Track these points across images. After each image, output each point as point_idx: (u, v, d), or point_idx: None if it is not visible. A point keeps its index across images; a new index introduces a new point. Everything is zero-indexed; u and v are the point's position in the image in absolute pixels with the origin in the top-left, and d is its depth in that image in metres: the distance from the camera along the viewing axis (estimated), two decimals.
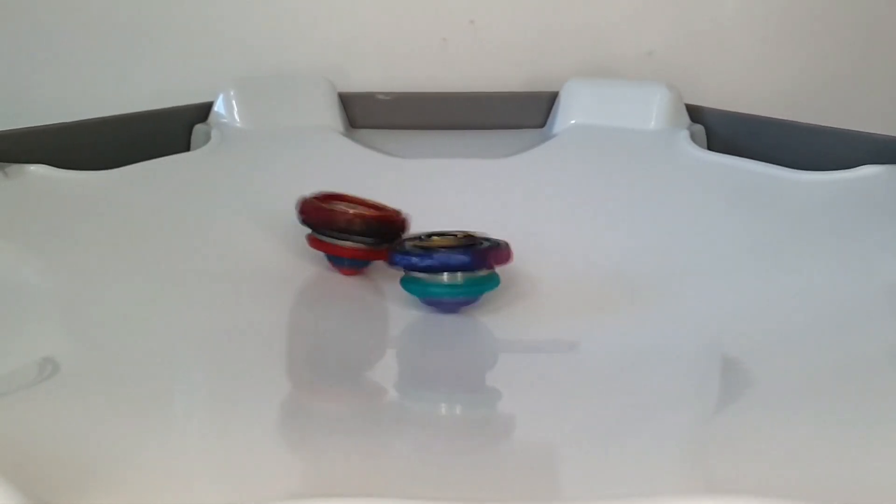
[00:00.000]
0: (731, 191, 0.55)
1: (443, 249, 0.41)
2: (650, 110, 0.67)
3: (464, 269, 0.41)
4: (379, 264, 0.46)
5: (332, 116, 0.68)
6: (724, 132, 0.67)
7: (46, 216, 0.49)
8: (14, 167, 0.52)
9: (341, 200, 0.48)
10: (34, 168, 0.53)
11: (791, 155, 0.58)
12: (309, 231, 0.47)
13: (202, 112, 0.67)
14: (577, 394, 0.35)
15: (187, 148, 0.65)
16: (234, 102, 0.66)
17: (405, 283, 0.42)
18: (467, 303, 0.43)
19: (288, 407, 0.35)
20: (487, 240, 0.42)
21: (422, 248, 0.42)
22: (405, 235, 0.45)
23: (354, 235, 0.45)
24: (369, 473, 0.27)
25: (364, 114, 0.72)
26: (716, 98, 0.69)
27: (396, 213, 0.47)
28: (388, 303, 0.45)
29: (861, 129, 0.58)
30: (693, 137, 0.64)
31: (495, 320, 0.43)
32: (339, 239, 0.46)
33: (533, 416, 0.34)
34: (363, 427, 0.32)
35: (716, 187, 0.56)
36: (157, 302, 0.41)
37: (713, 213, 0.53)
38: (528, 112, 0.72)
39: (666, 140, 0.64)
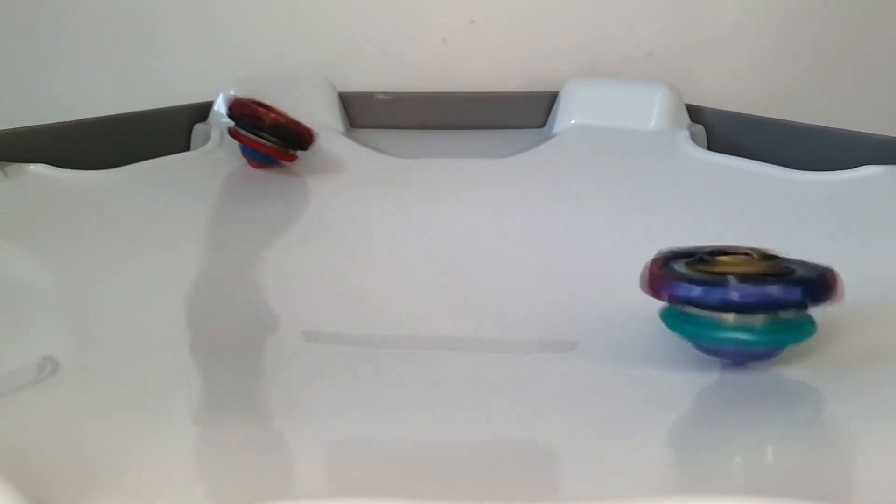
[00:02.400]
0: (731, 191, 0.55)
1: (748, 278, 0.29)
2: (650, 110, 0.67)
3: (790, 306, 0.29)
4: None
5: (332, 116, 0.68)
6: (724, 132, 0.67)
7: (46, 216, 0.49)
8: (14, 167, 0.52)
9: (267, 109, 0.57)
10: (34, 168, 0.53)
11: (791, 155, 0.58)
12: (233, 124, 0.57)
13: (202, 112, 0.67)
14: (577, 393, 0.35)
15: (187, 148, 0.65)
16: None
17: (670, 319, 0.31)
18: (767, 356, 0.31)
19: (288, 407, 0.34)
20: (802, 263, 0.31)
21: (709, 273, 0.30)
22: (667, 252, 0.33)
23: (265, 133, 0.56)
24: (369, 473, 0.27)
25: (364, 114, 0.72)
26: (716, 98, 0.69)
27: (303, 125, 0.57)
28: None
29: (861, 129, 0.58)
30: (693, 137, 0.64)
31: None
32: (253, 134, 0.56)
33: (532, 416, 0.34)
34: (363, 427, 0.32)
35: (716, 187, 0.56)
36: (157, 302, 0.41)
37: (713, 214, 0.53)
38: (528, 112, 0.72)
39: (666, 140, 0.64)
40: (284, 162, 0.58)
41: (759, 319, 0.29)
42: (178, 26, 0.75)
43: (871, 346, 0.33)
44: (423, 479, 0.27)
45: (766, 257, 0.31)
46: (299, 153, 0.58)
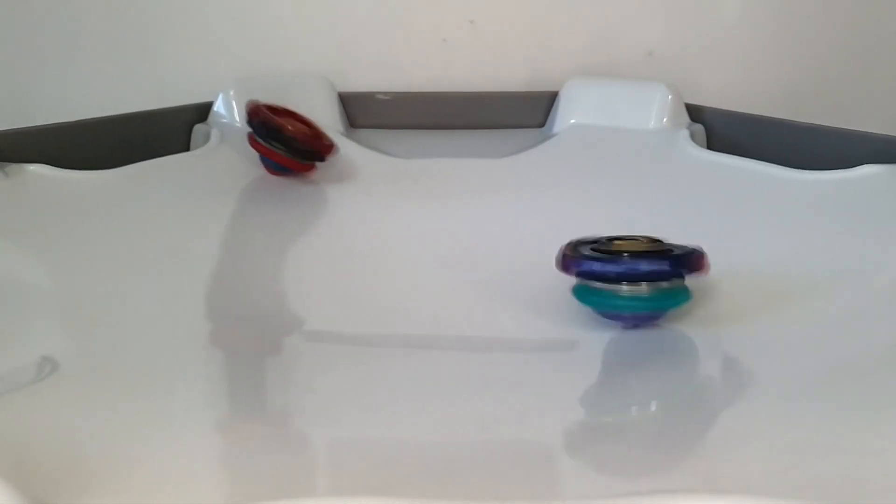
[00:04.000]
0: (731, 191, 0.55)
1: (629, 255, 0.37)
2: (650, 110, 0.67)
3: (657, 278, 0.36)
4: None
5: (332, 116, 0.68)
6: (724, 132, 0.67)
7: (46, 216, 0.49)
8: (14, 167, 0.52)
9: (288, 115, 0.57)
10: (34, 168, 0.53)
11: (791, 155, 0.58)
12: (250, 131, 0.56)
13: (202, 112, 0.67)
14: (577, 393, 0.35)
15: (187, 148, 0.65)
16: (233, 102, 0.66)
17: (579, 292, 0.38)
18: (653, 318, 0.38)
19: (289, 407, 0.34)
20: (679, 246, 0.38)
21: (604, 252, 0.37)
22: (578, 239, 0.40)
23: (281, 144, 0.55)
24: (369, 473, 0.27)
25: (364, 114, 0.72)
26: (716, 98, 0.69)
27: (326, 138, 0.56)
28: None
29: (861, 129, 0.58)
30: (693, 137, 0.64)
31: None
32: (271, 144, 0.55)
33: (532, 416, 0.34)
34: (363, 426, 0.32)
35: (715, 187, 0.56)
36: (157, 301, 0.41)
37: (713, 213, 0.53)
38: (528, 112, 0.72)
39: (666, 140, 0.64)
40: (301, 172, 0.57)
41: (645, 289, 0.36)
42: (178, 26, 0.75)
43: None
44: (423, 479, 0.27)
45: (653, 241, 0.38)
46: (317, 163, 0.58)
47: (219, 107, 0.66)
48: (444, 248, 0.49)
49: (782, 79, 0.77)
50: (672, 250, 0.37)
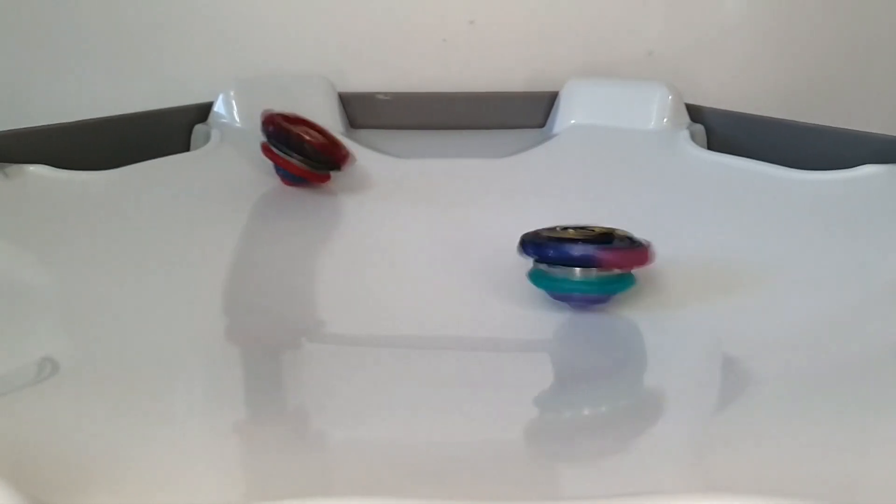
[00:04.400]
0: (731, 190, 0.55)
1: (579, 243, 0.40)
2: (650, 110, 0.67)
3: (598, 265, 0.40)
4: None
5: (332, 116, 0.68)
6: (724, 132, 0.67)
7: (46, 216, 0.49)
8: (14, 167, 0.52)
9: (303, 124, 0.56)
10: (34, 168, 0.53)
11: (791, 155, 0.58)
12: (265, 140, 0.55)
13: (202, 112, 0.67)
14: (577, 393, 0.35)
15: (187, 148, 0.65)
16: (233, 102, 0.66)
17: (534, 276, 0.42)
18: (599, 301, 0.42)
19: (289, 407, 0.34)
20: (630, 238, 0.41)
21: (556, 239, 0.41)
22: (536, 229, 0.43)
23: (298, 154, 0.54)
24: (368, 473, 0.27)
25: (364, 114, 0.72)
26: (716, 98, 0.69)
27: (342, 147, 0.55)
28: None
29: (861, 129, 0.58)
30: (693, 137, 0.64)
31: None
32: (287, 154, 0.54)
33: (532, 416, 0.34)
34: (363, 427, 0.32)
35: (716, 187, 0.56)
36: (157, 302, 0.41)
37: (713, 213, 0.53)
38: (528, 112, 0.72)
39: (666, 140, 0.64)
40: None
41: (593, 274, 0.40)
42: (178, 26, 0.75)
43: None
44: (423, 479, 0.27)
45: (604, 232, 0.41)
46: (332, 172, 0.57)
47: (219, 107, 0.66)
48: (444, 248, 0.49)
49: (782, 79, 0.77)
50: (612, 240, 0.41)
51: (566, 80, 0.71)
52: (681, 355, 0.38)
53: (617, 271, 0.40)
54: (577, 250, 0.40)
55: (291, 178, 0.55)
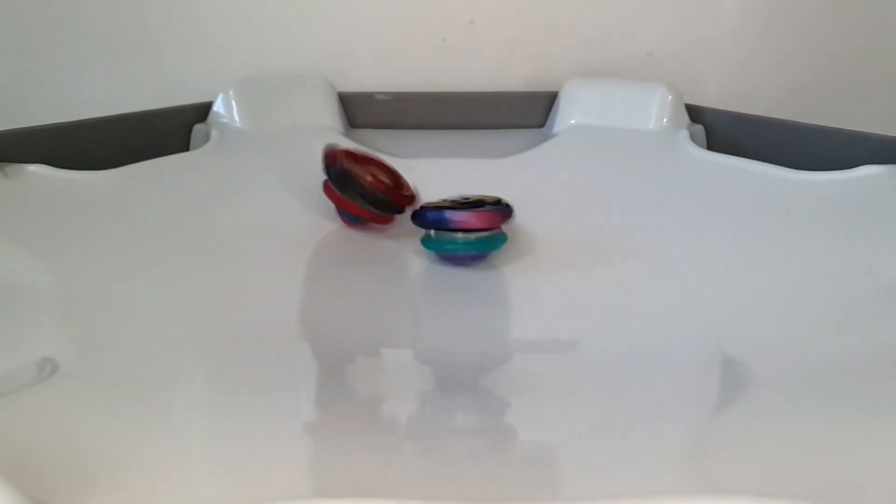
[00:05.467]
0: (731, 191, 0.55)
1: (453, 210, 0.47)
2: (650, 110, 0.67)
3: (467, 228, 0.46)
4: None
5: (331, 116, 0.68)
6: (724, 132, 0.67)
7: (46, 216, 0.49)
8: (14, 167, 0.52)
9: (368, 163, 0.54)
10: (34, 168, 0.53)
11: (791, 155, 0.58)
12: (325, 178, 0.53)
13: (202, 112, 0.67)
14: (577, 394, 0.35)
15: (187, 148, 0.65)
16: (233, 102, 0.66)
17: (424, 241, 0.49)
18: (478, 258, 0.48)
19: (289, 407, 0.34)
20: (497, 203, 0.48)
21: (436, 208, 0.48)
22: (430, 201, 0.49)
23: (361, 199, 0.51)
24: (369, 473, 0.27)
25: (364, 114, 0.72)
26: (716, 98, 0.69)
27: (404, 193, 0.53)
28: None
29: (861, 129, 0.58)
30: (693, 137, 0.64)
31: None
32: (350, 197, 0.51)
33: (533, 416, 0.34)
34: (363, 426, 0.32)
35: (716, 187, 0.56)
36: (157, 302, 0.41)
37: (713, 213, 0.53)
38: (528, 112, 0.72)
39: (666, 140, 0.64)
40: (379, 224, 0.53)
41: (472, 236, 0.47)
42: (178, 26, 0.75)
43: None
44: (423, 479, 0.27)
45: (477, 200, 0.48)
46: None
47: (219, 107, 0.66)
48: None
49: (782, 79, 0.77)
50: (484, 206, 0.47)
51: (566, 80, 0.71)
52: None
53: (491, 232, 0.47)
54: (432, 215, 0.47)
55: (351, 218, 0.53)
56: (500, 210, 0.48)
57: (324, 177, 0.53)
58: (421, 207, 0.49)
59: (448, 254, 0.48)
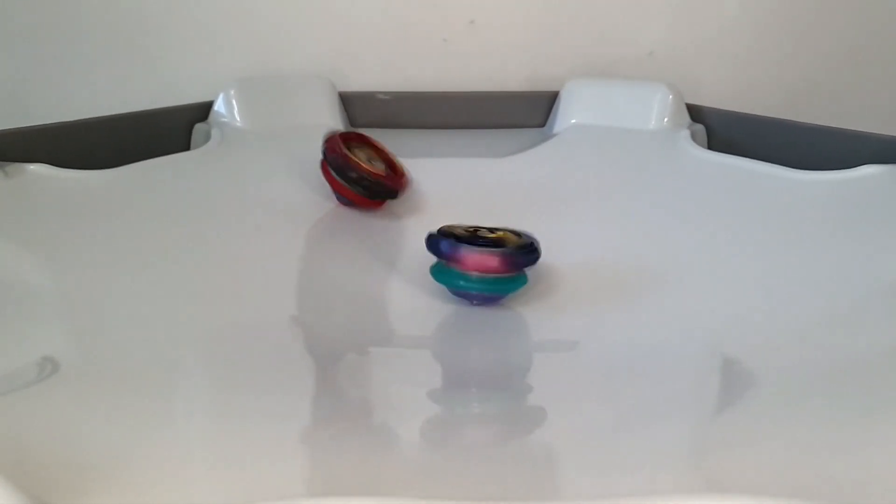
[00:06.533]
0: (731, 191, 0.55)
1: (475, 248, 0.42)
2: (650, 110, 0.67)
3: (490, 270, 0.41)
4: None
5: (332, 116, 0.68)
6: (724, 132, 0.67)
7: (46, 216, 0.49)
8: (14, 167, 0.52)
9: (365, 144, 0.56)
10: (34, 168, 0.53)
11: (791, 155, 0.58)
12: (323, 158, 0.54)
13: (202, 111, 0.67)
14: (578, 393, 0.35)
15: (187, 147, 0.65)
16: (234, 102, 0.66)
17: (434, 272, 0.43)
18: (493, 300, 0.43)
19: (289, 407, 0.34)
20: (522, 243, 0.43)
21: (452, 237, 0.43)
22: (447, 226, 0.44)
23: (355, 184, 0.53)
24: (369, 473, 0.27)
25: (364, 113, 0.72)
26: (716, 98, 0.69)
27: (394, 178, 0.54)
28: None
29: (861, 129, 0.58)
30: (693, 137, 0.64)
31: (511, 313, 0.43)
32: (345, 181, 0.53)
33: (533, 416, 0.34)
34: (363, 426, 0.32)
35: (716, 187, 0.56)
36: (157, 301, 0.41)
37: (713, 213, 0.53)
38: (528, 112, 0.72)
39: (666, 140, 0.64)
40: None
41: (490, 274, 0.42)
42: (178, 26, 0.75)
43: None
44: (423, 479, 0.27)
45: (504, 236, 0.43)
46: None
47: (219, 106, 0.66)
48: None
49: (782, 79, 0.77)
50: (512, 245, 0.43)
51: (566, 80, 0.71)
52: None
53: (511, 274, 0.42)
54: (446, 246, 0.42)
55: (345, 201, 0.55)
56: (524, 255, 0.42)
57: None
58: (438, 232, 0.43)
59: (460, 290, 0.43)
